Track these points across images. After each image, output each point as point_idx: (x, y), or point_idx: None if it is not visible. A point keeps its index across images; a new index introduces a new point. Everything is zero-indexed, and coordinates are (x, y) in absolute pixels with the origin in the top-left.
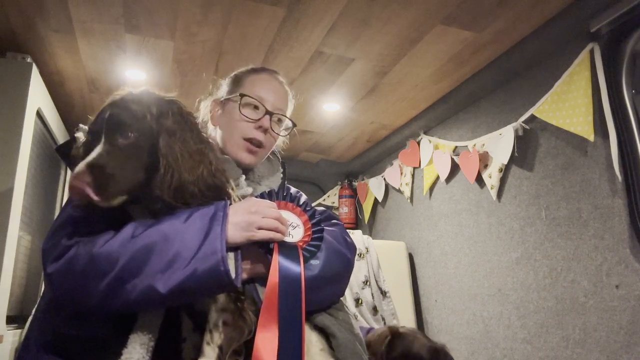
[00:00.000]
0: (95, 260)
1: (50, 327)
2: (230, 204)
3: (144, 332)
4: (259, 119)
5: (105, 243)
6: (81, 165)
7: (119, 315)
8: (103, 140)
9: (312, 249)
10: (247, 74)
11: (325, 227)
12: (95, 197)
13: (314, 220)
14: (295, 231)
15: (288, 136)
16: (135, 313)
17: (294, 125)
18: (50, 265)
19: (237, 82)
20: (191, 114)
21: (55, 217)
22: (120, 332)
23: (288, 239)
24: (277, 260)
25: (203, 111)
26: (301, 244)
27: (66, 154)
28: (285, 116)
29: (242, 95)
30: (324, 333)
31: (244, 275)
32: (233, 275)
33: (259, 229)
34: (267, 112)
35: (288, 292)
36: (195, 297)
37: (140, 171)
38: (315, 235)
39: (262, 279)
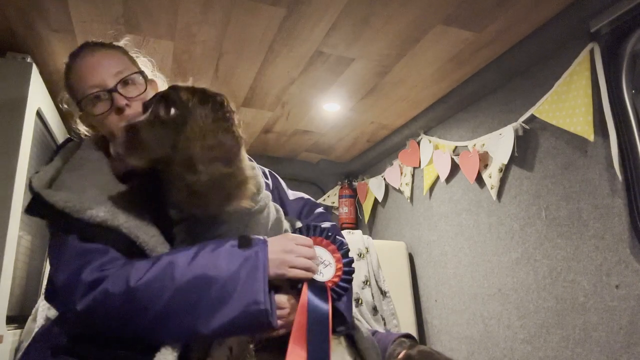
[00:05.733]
0: (133, 294)
1: (67, 333)
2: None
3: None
4: (112, 105)
5: (141, 275)
6: (121, 126)
7: None
8: (149, 111)
9: (340, 291)
10: (68, 74)
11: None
12: (124, 155)
13: (345, 260)
14: (327, 270)
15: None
16: None
17: (141, 72)
18: (80, 302)
19: (70, 89)
20: (231, 110)
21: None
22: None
23: (319, 278)
24: (306, 300)
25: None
26: (330, 284)
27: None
28: (128, 75)
29: (79, 103)
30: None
31: None
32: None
33: (292, 267)
34: (110, 90)
35: (316, 330)
36: (233, 336)
37: (168, 146)
38: (345, 277)
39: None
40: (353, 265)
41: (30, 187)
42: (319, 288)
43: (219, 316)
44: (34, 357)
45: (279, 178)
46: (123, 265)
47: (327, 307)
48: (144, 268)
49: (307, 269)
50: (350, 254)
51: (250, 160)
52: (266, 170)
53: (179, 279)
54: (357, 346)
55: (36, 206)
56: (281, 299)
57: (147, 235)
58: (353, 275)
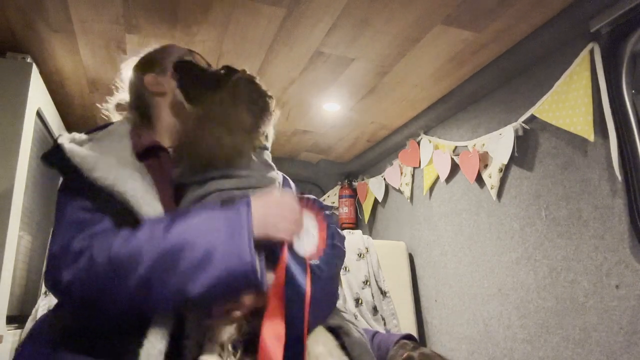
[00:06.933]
0: (115, 260)
1: (62, 322)
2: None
3: (161, 326)
4: None
5: (123, 242)
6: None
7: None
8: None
9: (317, 270)
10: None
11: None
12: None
13: (331, 241)
14: (309, 240)
15: None
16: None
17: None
18: (66, 271)
19: (169, 53)
20: (269, 109)
21: (55, 216)
22: (137, 325)
23: (299, 247)
24: (285, 265)
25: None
26: (309, 257)
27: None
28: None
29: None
30: (336, 333)
31: None
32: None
33: (275, 228)
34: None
35: (293, 299)
36: (220, 300)
37: (201, 87)
38: (324, 258)
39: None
40: (337, 243)
41: (55, 139)
42: (298, 258)
43: (204, 277)
44: (29, 354)
45: (290, 183)
46: (110, 234)
47: (305, 279)
48: (126, 235)
49: (292, 233)
50: (340, 250)
51: (271, 164)
52: (280, 174)
53: (161, 242)
54: (350, 353)
55: (53, 157)
56: None
57: (151, 208)
58: (336, 260)
